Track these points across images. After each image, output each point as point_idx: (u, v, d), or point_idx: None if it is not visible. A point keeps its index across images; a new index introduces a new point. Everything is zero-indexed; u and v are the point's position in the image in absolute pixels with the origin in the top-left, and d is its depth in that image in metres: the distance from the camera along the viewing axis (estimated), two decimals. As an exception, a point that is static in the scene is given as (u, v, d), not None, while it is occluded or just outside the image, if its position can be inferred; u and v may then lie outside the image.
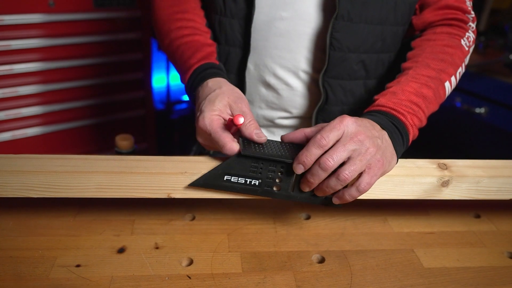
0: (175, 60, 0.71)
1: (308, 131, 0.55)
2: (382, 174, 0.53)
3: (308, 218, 0.67)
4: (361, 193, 0.52)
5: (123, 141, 0.87)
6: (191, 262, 0.55)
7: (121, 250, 0.57)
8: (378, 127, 0.55)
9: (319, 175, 0.51)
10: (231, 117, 0.56)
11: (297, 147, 0.55)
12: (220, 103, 0.58)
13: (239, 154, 0.53)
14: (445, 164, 0.60)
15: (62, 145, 1.54)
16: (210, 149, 0.61)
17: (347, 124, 0.51)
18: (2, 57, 1.32)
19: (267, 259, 0.57)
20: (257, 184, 0.55)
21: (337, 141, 0.50)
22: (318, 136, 0.50)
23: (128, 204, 0.66)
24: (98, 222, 0.62)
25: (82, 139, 1.58)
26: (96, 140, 1.62)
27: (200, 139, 0.60)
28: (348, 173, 0.50)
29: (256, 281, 0.53)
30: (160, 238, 0.59)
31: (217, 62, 0.68)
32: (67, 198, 0.54)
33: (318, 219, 0.66)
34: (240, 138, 0.55)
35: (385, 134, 0.54)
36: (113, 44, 1.49)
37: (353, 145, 0.50)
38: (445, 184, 0.58)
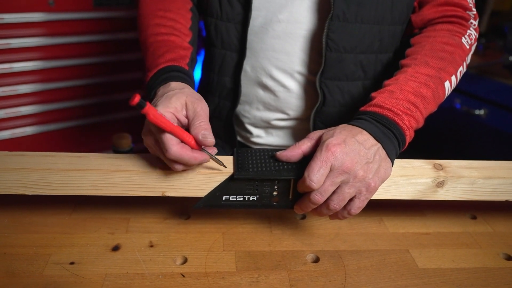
0: (146, 56, 0.67)
1: (304, 147, 0.54)
2: (375, 192, 0.54)
3: (303, 217, 0.66)
4: (353, 215, 0.54)
5: (120, 139, 0.88)
6: (185, 261, 0.55)
7: (115, 248, 0.57)
8: (370, 141, 0.53)
9: (310, 207, 0.54)
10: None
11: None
12: (177, 101, 0.52)
13: (232, 177, 0.54)
14: (440, 165, 0.60)
15: (62, 144, 1.54)
16: (154, 153, 0.54)
17: (334, 156, 0.50)
18: (2, 55, 1.32)
19: (261, 258, 0.57)
20: (255, 199, 0.56)
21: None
22: (309, 181, 0.50)
23: (123, 202, 0.66)
24: (93, 220, 0.62)
25: (82, 138, 1.58)
26: (96, 139, 1.62)
27: (145, 139, 0.54)
28: (337, 203, 0.52)
29: (250, 280, 0.53)
30: (155, 237, 0.59)
31: (187, 67, 0.63)
32: (62, 196, 0.54)
33: (313, 219, 0.66)
34: (233, 160, 0.55)
35: (379, 148, 0.53)
36: (113, 44, 1.49)
37: (340, 177, 0.51)
38: (440, 184, 0.58)
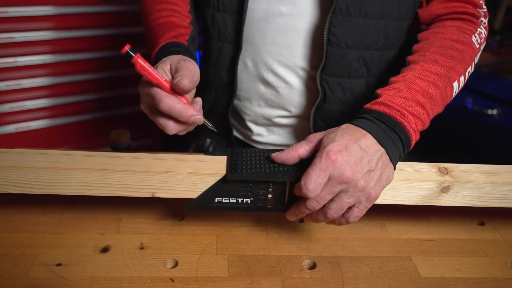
0: (149, 40, 0.68)
1: (301, 151, 0.51)
2: (375, 201, 0.51)
3: (301, 221, 0.64)
4: (351, 223, 0.52)
5: (119, 136, 0.86)
6: (176, 264, 0.53)
7: (104, 250, 0.55)
8: (374, 147, 0.50)
9: (306, 212, 0.51)
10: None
11: None
12: (161, 65, 0.53)
13: (225, 178, 0.51)
14: (446, 169, 0.56)
15: (66, 139, 1.54)
16: (153, 118, 0.54)
17: (333, 165, 0.47)
18: (6, 49, 1.32)
19: (255, 263, 0.55)
20: (249, 202, 0.54)
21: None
22: (305, 189, 0.47)
23: (116, 202, 0.64)
24: (84, 220, 0.60)
25: (85, 134, 1.58)
26: (100, 135, 1.61)
27: (143, 107, 0.55)
28: (335, 212, 0.50)
29: (242, 286, 0.51)
30: (146, 238, 0.58)
31: (186, 43, 0.64)
32: (54, 195, 0.52)
33: (312, 222, 0.63)
34: (227, 160, 0.53)
35: (382, 154, 0.50)
36: (116, 39, 1.47)
37: (339, 187, 0.48)
38: (445, 190, 0.55)
